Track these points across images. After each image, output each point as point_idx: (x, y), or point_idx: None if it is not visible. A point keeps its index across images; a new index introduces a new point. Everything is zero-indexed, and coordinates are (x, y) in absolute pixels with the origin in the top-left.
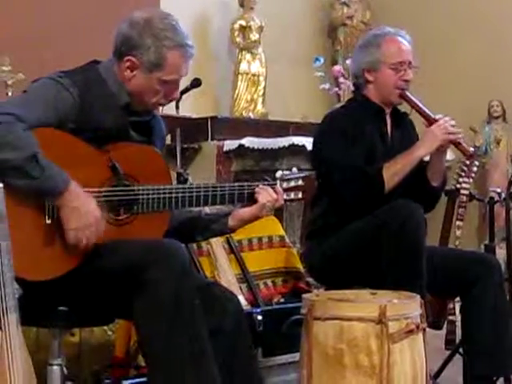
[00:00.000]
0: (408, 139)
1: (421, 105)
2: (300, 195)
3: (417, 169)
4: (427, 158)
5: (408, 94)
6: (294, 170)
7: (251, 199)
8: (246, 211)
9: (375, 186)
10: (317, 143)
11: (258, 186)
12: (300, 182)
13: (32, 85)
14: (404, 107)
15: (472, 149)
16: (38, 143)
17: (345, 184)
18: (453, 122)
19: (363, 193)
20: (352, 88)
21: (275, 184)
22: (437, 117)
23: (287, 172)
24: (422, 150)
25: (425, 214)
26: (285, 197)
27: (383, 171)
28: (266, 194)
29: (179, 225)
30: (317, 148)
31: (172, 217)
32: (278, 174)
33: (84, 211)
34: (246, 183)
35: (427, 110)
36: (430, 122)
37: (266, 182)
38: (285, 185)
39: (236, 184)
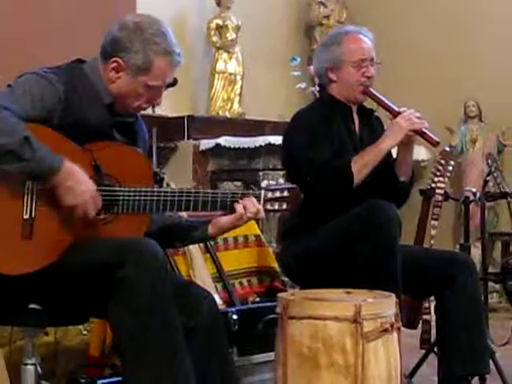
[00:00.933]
0: (376, 136)
1: (385, 99)
2: (284, 206)
3: (385, 165)
4: (395, 154)
5: (371, 89)
6: (281, 181)
7: (233, 207)
8: (226, 220)
9: (344, 179)
10: (285, 141)
11: (241, 194)
12: (285, 193)
13: (17, 80)
14: (369, 104)
15: (447, 148)
16: (25, 127)
17: (314, 179)
18: (418, 114)
19: (332, 187)
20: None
21: (259, 194)
22: (401, 109)
23: (273, 182)
24: (388, 141)
25: None
26: (269, 207)
27: (351, 164)
28: (249, 204)
29: (159, 230)
30: (285, 145)
31: (152, 222)
32: (264, 183)
33: (79, 190)
34: (229, 191)
35: (391, 104)
36: (395, 115)
37: (249, 192)
38: (269, 195)
39: (219, 191)
